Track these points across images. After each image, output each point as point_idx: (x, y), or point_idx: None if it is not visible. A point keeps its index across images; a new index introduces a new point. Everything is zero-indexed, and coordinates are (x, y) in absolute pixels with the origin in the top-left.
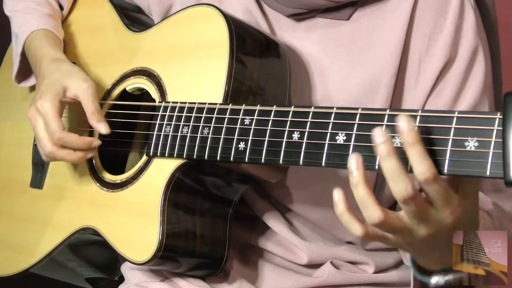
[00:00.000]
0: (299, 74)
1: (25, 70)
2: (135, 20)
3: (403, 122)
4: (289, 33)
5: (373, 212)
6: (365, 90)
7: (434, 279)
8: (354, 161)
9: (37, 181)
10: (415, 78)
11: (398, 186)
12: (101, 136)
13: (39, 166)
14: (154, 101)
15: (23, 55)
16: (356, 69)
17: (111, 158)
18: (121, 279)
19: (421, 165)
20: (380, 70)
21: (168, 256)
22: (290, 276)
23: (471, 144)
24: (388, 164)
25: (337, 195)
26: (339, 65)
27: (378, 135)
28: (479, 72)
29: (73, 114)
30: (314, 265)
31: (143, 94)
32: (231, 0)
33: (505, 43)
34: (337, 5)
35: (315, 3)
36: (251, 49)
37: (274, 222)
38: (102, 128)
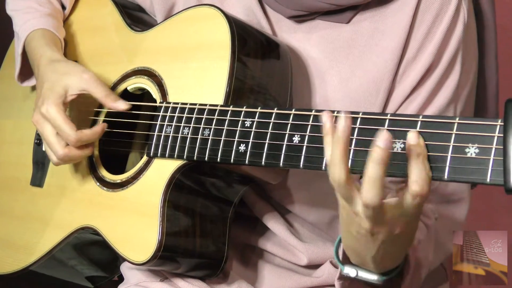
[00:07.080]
0: (298, 76)
1: (27, 69)
2: (137, 19)
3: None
4: (289, 34)
5: (339, 170)
6: (364, 94)
7: (346, 270)
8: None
9: (38, 179)
10: (399, 81)
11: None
12: (102, 136)
13: (40, 164)
14: (155, 101)
15: (24, 55)
16: (356, 73)
17: (112, 158)
18: (121, 278)
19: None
20: (380, 75)
21: (168, 256)
22: (290, 277)
23: (472, 150)
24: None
25: None
26: (338, 68)
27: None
28: (451, 84)
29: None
30: (314, 266)
31: (144, 94)
32: (233, 0)
33: (505, 44)
34: (338, 8)
35: (315, 6)
36: (252, 50)
37: (273, 223)
38: (122, 105)
